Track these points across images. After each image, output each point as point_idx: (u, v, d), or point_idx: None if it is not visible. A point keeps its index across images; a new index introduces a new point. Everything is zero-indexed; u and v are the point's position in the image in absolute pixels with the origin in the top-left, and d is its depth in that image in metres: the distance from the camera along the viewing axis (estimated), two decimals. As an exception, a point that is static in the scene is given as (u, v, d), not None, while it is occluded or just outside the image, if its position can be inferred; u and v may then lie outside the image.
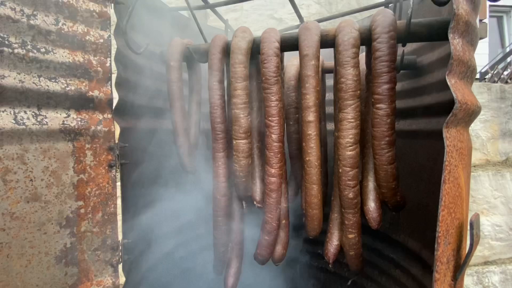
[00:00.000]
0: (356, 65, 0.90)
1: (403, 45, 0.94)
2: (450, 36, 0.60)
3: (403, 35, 0.89)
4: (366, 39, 0.94)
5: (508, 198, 2.57)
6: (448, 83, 0.59)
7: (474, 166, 2.66)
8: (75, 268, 0.89)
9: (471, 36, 0.70)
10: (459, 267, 0.63)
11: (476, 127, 2.61)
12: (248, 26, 1.11)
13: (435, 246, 0.58)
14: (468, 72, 0.69)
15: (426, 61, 1.15)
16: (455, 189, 0.61)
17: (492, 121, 2.64)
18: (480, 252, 2.55)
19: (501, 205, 2.57)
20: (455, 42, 0.61)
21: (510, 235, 2.56)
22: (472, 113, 0.70)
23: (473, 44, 0.73)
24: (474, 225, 0.60)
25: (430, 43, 1.12)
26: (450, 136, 0.59)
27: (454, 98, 0.58)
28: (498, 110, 2.63)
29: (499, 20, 8.01)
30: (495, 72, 5.18)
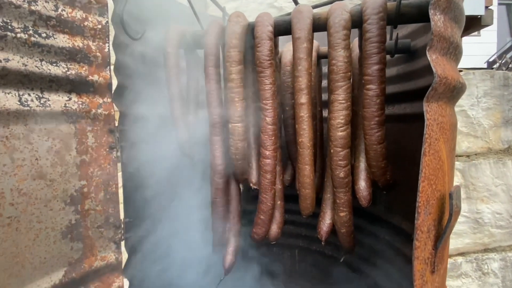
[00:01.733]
0: (347, 47, 0.92)
1: (395, 27, 0.95)
2: (431, 12, 0.62)
3: (394, 16, 0.90)
4: (358, 21, 0.96)
5: (509, 186, 2.57)
6: (429, 58, 0.60)
7: (476, 154, 2.65)
8: (80, 243, 0.94)
9: (455, 13, 0.71)
10: (440, 237, 0.66)
11: (478, 115, 2.59)
12: (247, 15, 1.12)
13: (416, 215, 0.61)
14: (451, 49, 0.71)
15: (420, 44, 1.16)
16: (435, 162, 0.63)
17: (495, 108, 2.62)
18: (480, 240, 2.57)
19: (502, 193, 2.57)
20: (436, 18, 0.62)
21: (511, 223, 2.56)
22: (454, 89, 0.72)
23: (457, 22, 0.74)
24: (454, 196, 0.62)
25: (424, 26, 1.12)
26: (430, 110, 0.61)
27: (433, 73, 0.60)
28: (501, 98, 2.60)
29: (508, 8, 7.79)
30: (503, 61, 5.07)
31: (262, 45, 1.01)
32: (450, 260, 2.52)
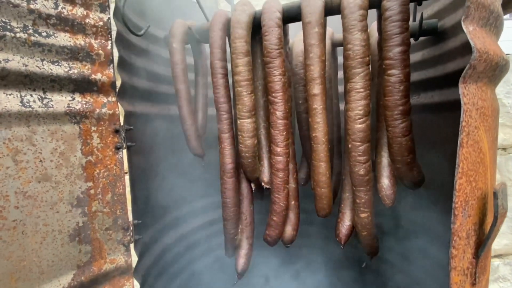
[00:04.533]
0: (364, 29, 0.82)
1: (419, 4, 0.84)
2: (466, -26, 0.51)
3: (418, -9, 0.79)
4: (376, 0, 0.86)
5: (554, 181, 2.30)
6: (465, 30, 0.50)
7: (513, 147, 2.40)
8: (88, 246, 0.92)
9: (495, -24, 0.60)
10: (482, 243, 0.56)
11: (517, 103, 2.34)
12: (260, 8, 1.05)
13: (452, 218, 0.51)
14: (491, 19, 0.59)
15: (449, 23, 1.03)
16: (475, 154, 0.53)
17: (535, 96, 2.35)
18: (520, 241, 2.33)
19: (545, 189, 2.31)
20: (473, -18, 0.52)
21: (557, 222, 2.29)
22: (496, 67, 0.60)
23: (497, -13, 0.62)
24: (499, 195, 0.52)
25: (453, 1, 0.99)
26: (468, 92, 0.51)
27: (471, 47, 0.49)
28: (542, 84, 2.33)
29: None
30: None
31: (269, 33, 0.93)
32: (486, 263, 2.30)
